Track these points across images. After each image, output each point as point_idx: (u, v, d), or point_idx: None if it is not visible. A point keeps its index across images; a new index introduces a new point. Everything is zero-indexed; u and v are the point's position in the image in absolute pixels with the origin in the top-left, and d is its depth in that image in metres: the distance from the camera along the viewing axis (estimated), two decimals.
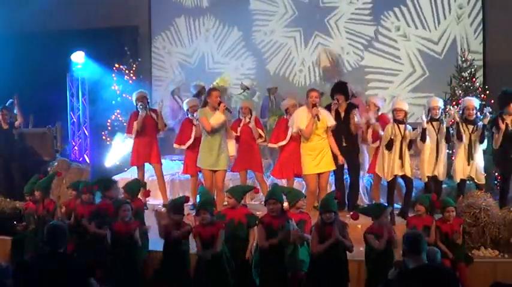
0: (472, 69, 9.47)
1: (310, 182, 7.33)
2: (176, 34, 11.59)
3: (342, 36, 10.78)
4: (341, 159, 7.35)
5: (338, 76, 10.28)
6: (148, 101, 8.61)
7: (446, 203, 6.39)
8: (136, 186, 6.86)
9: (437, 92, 9.36)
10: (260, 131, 8.14)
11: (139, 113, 8.30)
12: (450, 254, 6.06)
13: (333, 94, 7.96)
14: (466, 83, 9.37)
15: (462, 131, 7.45)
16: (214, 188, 7.52)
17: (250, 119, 8.10)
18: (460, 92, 9.31)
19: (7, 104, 9.34)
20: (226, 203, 6.74)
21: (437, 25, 10.40)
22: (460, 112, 7.74)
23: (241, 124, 8.14)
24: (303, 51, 10.97)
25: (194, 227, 5.80)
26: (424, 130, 7.38)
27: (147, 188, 7.37)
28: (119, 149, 10.42)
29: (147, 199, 7.99)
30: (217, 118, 7.26)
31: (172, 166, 9.62)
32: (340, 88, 7.94)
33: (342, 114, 7.78)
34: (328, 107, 7.85)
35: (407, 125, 7.46)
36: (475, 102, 7.62)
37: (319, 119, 7.19)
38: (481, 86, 9.58)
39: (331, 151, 7.37)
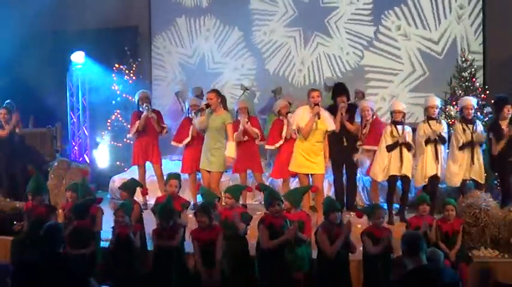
0: (472, 69, 9.47)
1: (303, 182, 7.32)
2: (177, 34, 11.59)
3: (341, 37, 10.81)
4: (327, 163, 7.34)
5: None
6: (151, 101, 8.55)
7: (445, 202, 6.38)
8: (134, 185, 6.78)
9: (437, 92, 9.26)
10: (256, 130, 8.11)
11: (143, 113, 8.24)
12: (450, 254, 6.06)
13: (335, 96, 7.95)
14: (466, 83, 9.37)
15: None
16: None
17: (248, 119, 8.10)
18: (460, 92, 9.31)
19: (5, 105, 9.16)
20: (224, 203, 6.70)
21: (438, 25, 10.43)
22: (459, 112, 7.73)
23: (240, 125, 8.15)
24: (303, 52, 10.98)
25: (192, 231, 5.76)
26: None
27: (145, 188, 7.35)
28: (105, 151, 10.50)
29: (147, 198, 8.01)
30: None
31: (172, 166, 9.58)
32: (342, 89, 7.94)
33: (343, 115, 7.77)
34: (332, 108, 7.85)
35: (406, 126, 7.44)
36: (473, 101, 7.57)
37: (319, 118, 7.18)
38: (481, 86, 9.58)
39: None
